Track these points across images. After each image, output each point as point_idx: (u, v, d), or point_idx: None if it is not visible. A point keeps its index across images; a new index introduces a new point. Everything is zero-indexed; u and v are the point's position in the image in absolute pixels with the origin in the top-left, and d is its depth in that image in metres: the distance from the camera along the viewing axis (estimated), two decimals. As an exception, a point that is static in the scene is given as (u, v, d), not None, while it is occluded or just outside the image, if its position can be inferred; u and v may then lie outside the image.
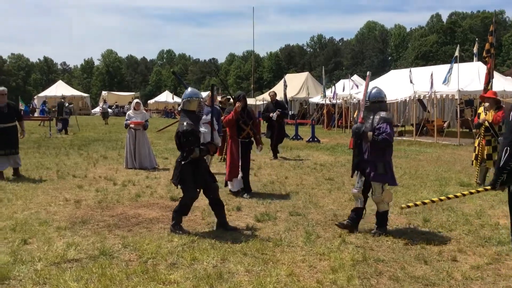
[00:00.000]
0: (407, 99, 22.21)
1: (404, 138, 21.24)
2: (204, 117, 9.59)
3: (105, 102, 39.66)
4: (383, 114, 5.88)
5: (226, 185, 8.63)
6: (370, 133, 5.82)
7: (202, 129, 9.67)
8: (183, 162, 6.02)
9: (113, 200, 7.94)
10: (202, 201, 7.63)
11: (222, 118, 8.80)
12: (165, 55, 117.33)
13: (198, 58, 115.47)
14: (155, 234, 5.97)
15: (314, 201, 8.00)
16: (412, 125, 22.93)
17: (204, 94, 49.37)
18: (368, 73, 6.82)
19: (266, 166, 12.20)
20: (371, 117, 5.93)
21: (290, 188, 9.19)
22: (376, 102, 5.98)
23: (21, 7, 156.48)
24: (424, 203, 6.21)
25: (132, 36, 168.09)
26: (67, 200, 7.89)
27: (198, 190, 6.12)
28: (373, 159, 5.88)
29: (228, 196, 8.25)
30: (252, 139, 8.74)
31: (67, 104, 24.48)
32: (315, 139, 19.11)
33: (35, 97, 52.92)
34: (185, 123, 5.97)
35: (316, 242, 5.71)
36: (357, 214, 6.14)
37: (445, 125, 21.28)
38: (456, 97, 19.02)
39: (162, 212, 7.12)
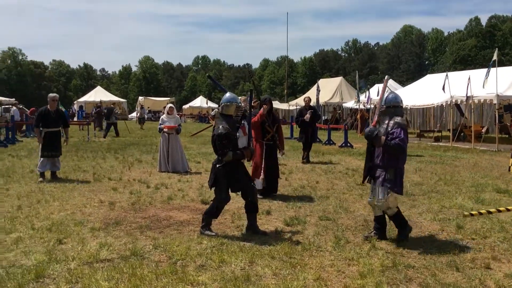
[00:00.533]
0: (444, 104, 21.75)
1: (440, 144, 20.80)
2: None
3: (142, 107, 40.09)
4: (398, 119, 5.74)
5: None
6: (383, 137, 5.68)
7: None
8: (217, 165, 6.12)
9: (145, 203, 8.10)
10: (232, 204, 7.71)
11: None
12: (200, 61, 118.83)
13: (232, 64, 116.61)
14: (185, 236, 6.05)
15: (345, 206, 7.93)
16: (448, 130, 22.43)
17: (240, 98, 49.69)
18: (386, 77, 6.74)
19: (297, 171, 12.17)
20: (386, 121, 5.82)
21: (320, 192, 9.14)
22: (392, 107, 5.85)
23: (62, 15, 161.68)
24: (489, 212, 6.00)
25: (169, 42, 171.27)
26: (102, 202, 8.10)
27: (229, 193, 6.18)
28: (385, 164, 5.74)
29: (259, 200, 8.25)
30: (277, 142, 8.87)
31: (117, 110, 26.71)
32: (348, 144, 18.94)
33: (75, 102, 54.46)
34: (221, 126, 6.07)
35: (345, 247, 5.66)
36: (380, 222, 6.01)
37: (483, 130, 20.70)
38: (495, 101, 18.51)
39: (193, 215, 7.21)
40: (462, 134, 21.77)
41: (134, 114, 53.33)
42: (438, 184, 10.19)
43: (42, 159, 10.26)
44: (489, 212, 6.07)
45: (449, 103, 20.72)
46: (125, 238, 5.94)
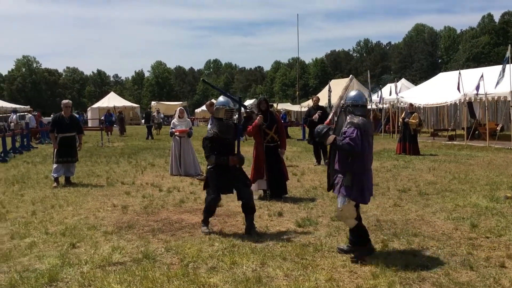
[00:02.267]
0: (457, 102, 21.54)
1: (454, 142, 20.59)
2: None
3: (158, 112, 34.98)
4: (354, 119, 5.18)
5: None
6: (332, 136, 5.20)
7: None
8: (208, 167, 6.37)
9: (158, 206, 8.14)
10: (244, 206, 7.70)
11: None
12: (212, 65, 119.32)
13: (244, 67, 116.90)
14: (197, 239, 6.06)
15: (357, 206, 7.87)
16: (463, 128, 22.20)
17: (251, 101, 49.44)
18: (350, 76, 6.63)
19: (309, 172, 12.13)
20: (344, 121, 5.32)
21: (333, 193, 9.03)
22: (350, 105, 5.30)
23: (76, 22, 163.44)
24: None
25: (180, 47, 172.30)
26: (115, 206, 8.16)
27: (219, 194, 6.37)
28: (340, 169, 5.26)
29: (270, 202, 8.27)
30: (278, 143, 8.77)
31: (154, 114, 29.51)
32: (361, 145, 18.80)
33: (89, 108, 55.00)
34: (208, 130, 6.38)
35: (358, 247, 5.62)
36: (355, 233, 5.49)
37: (498, 128, 20.44)
38: (509, 98, 18.26)
39: (205, 218, 7.21)
40: (476, 132, 21.53)
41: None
42: (452, 183, 10.08)
43: (56, 165, 10.38)
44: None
45: (462, 101, 20.51)
46: (138, 241, 5.97)
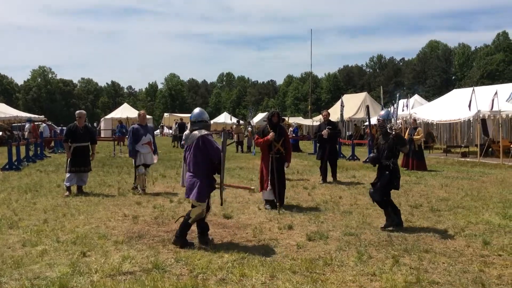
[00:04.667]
0: (471, 119, 21.38)
1: (467, 159, 20.39)
2: (143, 137, 10.33)
3: (176, 123, 32.17)
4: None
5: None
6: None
7: (142, 150, 10.64)
8: None
9: (168, 217, 8.16)
10: (254, 219, 7.74)
11: (255, 138, 9.48)
12: (224, 78, 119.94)
13: (256, 80, 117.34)
14: (206, 250, 6.06)
15: (368, 221, 7.84)
16: (476, 145, 22.00)
17: (263, 115, 49.39)
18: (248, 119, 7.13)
19: (320, 186, 12.09)
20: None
21: (344, 208, 9.05)
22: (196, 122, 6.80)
23: (91, 34, 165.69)
24: None
25: (194, 60, 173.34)
26: (125, 216, 8.20)
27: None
28: None
29: (281, 215, 8.26)
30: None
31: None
32: (373, 160, 18.70)
33: (102, 119, 55.47)
34: None
35: (368, 263, 5.59)
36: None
37: (511, 145, 20.23)
38: (524, 116, 18.12)
39: (215, 229, 7.21)
40: (490, 149, 21.33)
41: (167, 131, 54.05)
42: (464, 199, 9.98)
43: (69, 174, 10.48)
44: None
45: (476, 118, 20.36)
46: (148, 251, 5.99)
